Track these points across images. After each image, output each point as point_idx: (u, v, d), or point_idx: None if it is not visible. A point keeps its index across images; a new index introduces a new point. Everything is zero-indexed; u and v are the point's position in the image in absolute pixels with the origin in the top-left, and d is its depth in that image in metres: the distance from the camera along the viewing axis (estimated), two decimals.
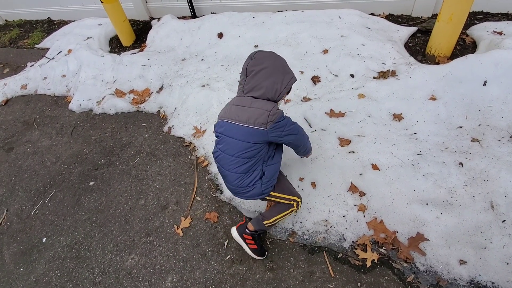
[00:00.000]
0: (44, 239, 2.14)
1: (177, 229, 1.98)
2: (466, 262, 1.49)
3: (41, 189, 2.52)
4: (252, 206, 1.96)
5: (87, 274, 1.89)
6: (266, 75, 1.38)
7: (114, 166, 2.54)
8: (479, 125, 1.98)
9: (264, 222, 1.63)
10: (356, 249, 1.66)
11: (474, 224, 1.57)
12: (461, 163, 1.79)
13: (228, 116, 1.45)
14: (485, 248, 1.50)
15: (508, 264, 1.44)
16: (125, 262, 1.89)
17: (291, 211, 1.62)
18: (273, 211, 1.65)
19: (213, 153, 1.60)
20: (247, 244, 1.69)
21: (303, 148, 1.65)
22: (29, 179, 2.64)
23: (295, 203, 1.60)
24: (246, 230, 1.69)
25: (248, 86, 1.42)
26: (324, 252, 1.70)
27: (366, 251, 1.64)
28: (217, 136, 1.55)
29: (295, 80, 1.46)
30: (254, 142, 1.40)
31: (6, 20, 5.89)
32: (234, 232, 1.73)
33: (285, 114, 1.44)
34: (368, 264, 1.60)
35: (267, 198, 1.60)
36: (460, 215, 1.61)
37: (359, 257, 1.63)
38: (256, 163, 1.47)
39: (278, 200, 1.61)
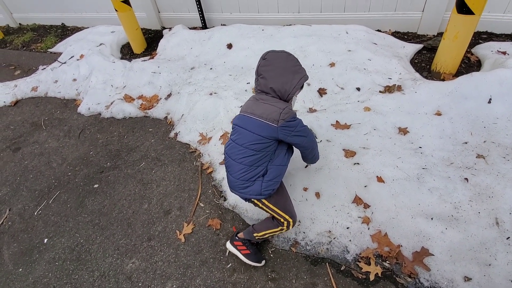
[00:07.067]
0: (45, 240, 2.14)
1: (179, 234, 1.97)
2: (471, 279, 1.47)
3: (45, 190, 2.53)
4: (255, 214, 1.96)
5: (86, 277, 1.87)
6: (276, 76, 1.43)
7: (119, 170, 2.56)
8: (484, 141, 1.99)
9: (254, 234, 1.64)
10: (360, 262, 1.64)
11: (479, 240, 1.56)
12: (466, 179, 1.79)
13: (245, 110, 1.50)
14: (489, 264, 1.48)
15: None
16: (125, 266, 1.88)
17: (280, 230, 1.60)
18: (263, 225, 1.65)
19: (225, 145, 1.60)
20: (239, 250, 1.68)
21: (310, 153, 1.66)
22: (34, 179, 2.66)
23: (286, 223, 1.57)
24: (236, 237, 1.71)
25: (260, 87, 1.48)
26: (327, 263, 1.69)
27: (369, 264, 1.62)
28: (232, 128, 1.58)
29: (306, 78, 1.48)
30: (264, 136, 1.42)
31: (20, 23, 6.07)
32: (227, 244, 1.75)
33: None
34: (372, 277, 1.58)
35: (260, 205, 1.57)
36: (465, 230, 1.59)
37: (362, 270, 1.61)
38: (262, 158, 1.47)
39: (269, 211, 1.58)
